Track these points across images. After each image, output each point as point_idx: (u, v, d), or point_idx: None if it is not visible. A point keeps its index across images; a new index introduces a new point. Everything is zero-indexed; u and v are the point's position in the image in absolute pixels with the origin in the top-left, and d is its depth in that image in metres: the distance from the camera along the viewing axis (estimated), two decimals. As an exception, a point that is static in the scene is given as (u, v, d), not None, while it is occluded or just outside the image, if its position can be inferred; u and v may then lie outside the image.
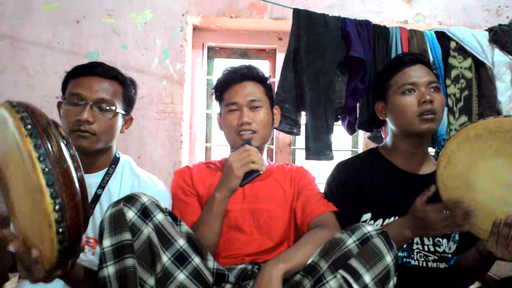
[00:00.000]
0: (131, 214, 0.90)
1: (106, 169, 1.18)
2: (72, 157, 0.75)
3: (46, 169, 0.68)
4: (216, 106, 1.33)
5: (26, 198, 0.73)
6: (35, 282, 0.77)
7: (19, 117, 0.70)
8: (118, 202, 0.93)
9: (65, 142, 0.75)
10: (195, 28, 1.96)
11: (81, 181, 0.75)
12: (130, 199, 0.92)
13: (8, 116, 0.71)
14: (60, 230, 0.69)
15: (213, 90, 1.30)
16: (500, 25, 1.66)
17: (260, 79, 1.26)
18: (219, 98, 1.28)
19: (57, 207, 0.68)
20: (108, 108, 1.12)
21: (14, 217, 0.80)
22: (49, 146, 0.70)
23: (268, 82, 1.28)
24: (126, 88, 1.19)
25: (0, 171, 0.80)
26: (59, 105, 1.17)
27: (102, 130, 1.11)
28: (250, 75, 1.24)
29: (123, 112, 1.17)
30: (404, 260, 1.18)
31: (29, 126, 0.69)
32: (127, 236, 0.88)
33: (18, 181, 0.74)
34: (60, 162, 0.71)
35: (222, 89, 1.26)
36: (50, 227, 0.68)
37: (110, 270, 0.87)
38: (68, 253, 0.73)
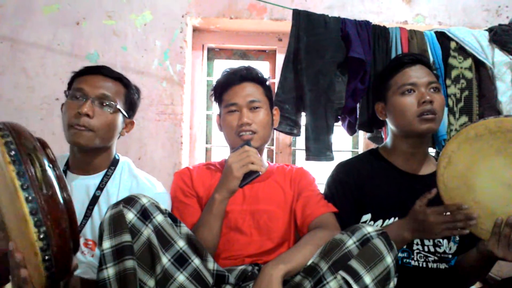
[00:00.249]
0: (130, 215, 0.90)
1: (105, 171, 1.18)
2: (58, 178, 0.74)
3: (30, 197, 0.67)
4: (216, 107, 1.33)
5: (15, 222, 0.73)
6: None
7: (3, 142, 0.69)
8: (118, 203, 0.92)
9: (51, 165, 0.73)
10: (195, 29, 1.97)
11: (68, 203, 0.74)
12: (129, 201, 0.92)
13: None
14: (46, 257, 0.69)
15: (212, 92, 1.30)
16: (500, 25, 1.66)
17: (259, 80, 1.26)
18: (218, 99, 1.28)
19: (41, 236, 0.68)
20: (108, 103, 1.12)
21: (9, 236, 0.79)
22: (33, 172, 0.69)
23: (267, 83, 1.29)
24: (129, 91, 1.21)
25: None
26: (62, 106, 1.17)
27: (101, 125, 1.11)
28: (249, 76, 1.24)
29: (124, 112, 1.18)
30: (404, 260, 1.18)
31: (12, 152, 0.68)
32: (127, 237, 0.88)
33: (8, 206, 0.73)
34: (45, 189, 0.70)
35: (222, 90, 1.26)
36: (36, 255, 0.69)
37: (110, 271, 0.87)
38: (58, 277, 0.73)
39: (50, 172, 0.72)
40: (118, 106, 1.15)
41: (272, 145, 2.00)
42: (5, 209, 0.75)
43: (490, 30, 1.66)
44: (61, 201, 0.72)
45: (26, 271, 0.73)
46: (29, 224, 0.67)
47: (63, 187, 0.75)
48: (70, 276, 0.81)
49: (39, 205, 0.68)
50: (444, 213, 0.99)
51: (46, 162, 0.73)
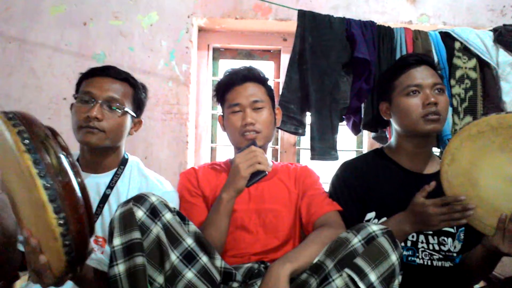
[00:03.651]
0: (140, 213, 0.92)
1: (115, 170, 1.20)
2: (72, 165, 0.75)
3: (48, 184, 0.68)
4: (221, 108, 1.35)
5: (30, 210, 0.74)
6: (46, 287, 0.78)
7: (16, 131, 0.69)
8: (128, 201, 0.94)
9: (64, 153, 0.74)
10: (200, 30, 1.98)
11: (82, 187, 0.75)
12: (139, 199, 0.94)
13: (4, 129, 0.71)
14: (66, 242, 0.70)
15: (215, 92, 1.31)
16: (505, 25, 1.67)
17: (261, 80, 1.27)
18: (221, 100, 1.29)
19: (61, 222, 0.69)
20: (117, 106, 1.14)
21: (21, 224, 0.81)
22: (48, 160, 0.70)
23: (269, 82, 1.30)
24: (137, 91, 1.22)
25: (4, 182, 0.81)
26: (72, 106, 1.19)
27: (111, 127, 1.13)
28: (252, 76, 1.25)
29: (132, 113, 1.19)
30: (409, 258, 1.19)
31: (26, 141, 0.69)
32: (136, 235, 0.90)
33: (22, 194, 0.74)
34: (61, 175, 0.70)
35: (224, 90, 1.27)
36: (55, 240, 0.70)
37: (120, 268, 0.88)
38: (76, 260, 0.74)
39: (64, 159, 0.73)
40: (126, 108, 1.16)
41: (277, 144, 2.01)
42: (19, 198, 0.76)
43: (494, 30, 1.67)
44: (77, 187, 0.73)
45: (44, 257, 0.74)
46: (48, 211, 0.68)
47: (77, 173, 0.75)
48: (86, 261, 0.82)
49: (57, 191, 0.69)
50: (442, 205, 1.00)
51: (59, 150, 0.74)
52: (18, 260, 1.14)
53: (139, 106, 1.24)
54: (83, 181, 0.76)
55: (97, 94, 1.13)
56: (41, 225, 0.71)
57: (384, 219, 1.21)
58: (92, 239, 1.10)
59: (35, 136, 0.71)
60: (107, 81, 1.16)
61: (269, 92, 1.28)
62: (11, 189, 0.79)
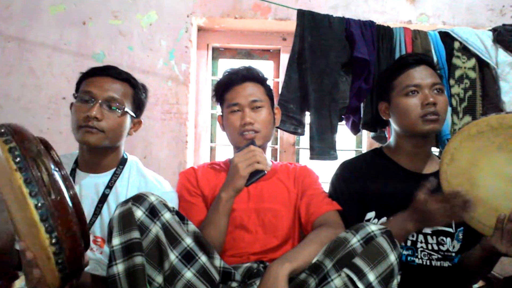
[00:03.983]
0: (139, 213, 0.92)
1: (114, 170, 1.20)
2: (64, 179, 0.74)
3: (39, 204, 0.67)
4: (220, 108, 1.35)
5: (24, 226, 0.73)
6: None
7: (7, 148, 0.68)
8: (127, 201, 0.94)
9: (57, 168, 0.73)
10: (199, 29, 1.98)
11: (75, 201, 0.74)
12: (138, 199, 0.94)
13: None
14: (59, 261, 0.70)
15: (214, 92, 1.31)
16: (504, 25, 1.67)
17: (260, 80, 1.27)
18: (220, 99, 1.29)
19: (53, 241, 0.68)
20: (116, 106, 1.14)
21: (18, 235, 0.80)
22: (39, 177, 0.68)
23: (268, 82, 1.30)
24: (137, 91, 1.22)
25: (2, 193, 0.80)
26: (72, 106, 1.19)
27: (110, 127, 1.13)
28: (251, 76, 1.26)
29: (132, 113, 1.19)
30: (408, 258, 1.19)
31: (18, 159, 0.67)
32: (135, 234, 0.90)
33: (16, 209, 0.73)
34: (53, 193, 0.69)
35: (223, 90, 1.27)
36: (49, 259, 0.70)
37: (119, 267, 0.88)
38: (71, 275, 0.74)
39: (56, 175, 0.72)
40: (126, 108, 1.16)
41: (276, 144, 2.01)
42: (14, 213, 0.75)
43: (494, 30, 1.67)
44: (70, 203, 0.72)
45: (39, 271, 0.74)
46: (40, 231, 0.68)
47: (70, 187, 0.74)
48: (81, 273, 0.82)
49: (49, 210, 0.68)
50: (443, 202, 1.01)
51: (51, 166, 0.72)
52: (16, 259, 1.14)
53: (139, 106, 1.23)
54: (75, 194, 0.75)
55: (97, 93, 1.13)
56: (35, 242, 0.71)
57: (384, 219, 1.21)
58: (91, 237, 1.10)
59: (27, 152, 0.69)
60: (107, 81, 1.15)
61: (268, 91, 1.29)
62: (8, 202, 0.78)
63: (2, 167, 0.70)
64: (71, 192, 0.74)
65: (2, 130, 0.71)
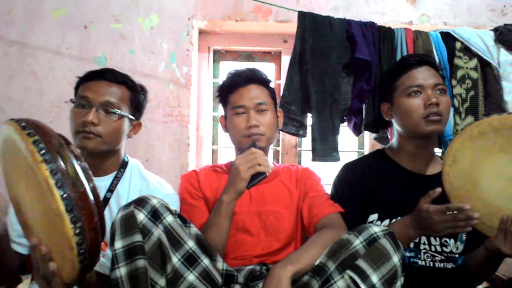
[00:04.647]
0: (141, 216, 0.92)
1: (115, 173, 1.20)
2: (84, 171, 0.76)
3: (65, 195, 0.69)
4: (222, 109, 1.35)
5: (43, 219, 0.74)
6: None
7: (31, 141, 0.70)
8: (129, 204, 0.94)
9: (77, 161, 0.75)
10: (201, 32, 1.98)
11: (95, 193, 0.76)
12: (140, 202, 0.94)
13: (18, 138, 0.71)
14: (81, 251, 0.71)
15: (218, 93, 1.31)
16: (505, 24, 1.67)
17: (264, 82, 1.27)
18: (224, 101, 1.29)
19: (77, 231, 0.70)
20: (113, 110, 1.13)
21: (29, 231, 0.81)
22: (64, 169, 0.70)
23: (271, 84, 1.30)
24: (134, 94, 1.21)
25: (12, 191, 0.81)
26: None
27: (107, 132, 1.12)
28: (255, 78, 1.26)
29: (129, 116, 1.19)
30: (411, 260, 1.19)
31: (43, 151, 0.69)
32: (138, 237, 0.90)
33: (35, 203, 0.74)
34: (76, 185, 0.71)
35: (227, 92, 1.27)
36: (71, 249, 0.71)
37: (122, 271, 0.88)
38: (88, 268, 0.76)
39: (78, 167, 0.74)
40: (123, 112, 1.15)
41: (278, 146, 2.01)
42: (29, 207, 0.76)
43: (495, 30, 1.66)
44: (91, 195, 0.74)
45: (54, 264, 0.75)
46: (65, 221, 0.69)
47: (90, 180, 0.76)
48: (95, 266, 0.83)
49: (74, 201, 0.70)
50: (447, 213, 1.00)
51: (73, 157, 0.74)
52: (16, 262, 1.14)
53: (137, 108, 1.23)
54: (94, 186, 0.77)
55: (93, 98, 1.12)
56: (56, 234, 0.71)
57: (386, 221, 1.20)
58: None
59: (51, 145, 0.71)
60: (103, 85, 1.15)
61: (272, 94, 1.29)
62: (20, 197, 0.79)
63: (22, 160, 0.71)
64: (91, 185, 0.76)
65: (24, 124, 0.72)
